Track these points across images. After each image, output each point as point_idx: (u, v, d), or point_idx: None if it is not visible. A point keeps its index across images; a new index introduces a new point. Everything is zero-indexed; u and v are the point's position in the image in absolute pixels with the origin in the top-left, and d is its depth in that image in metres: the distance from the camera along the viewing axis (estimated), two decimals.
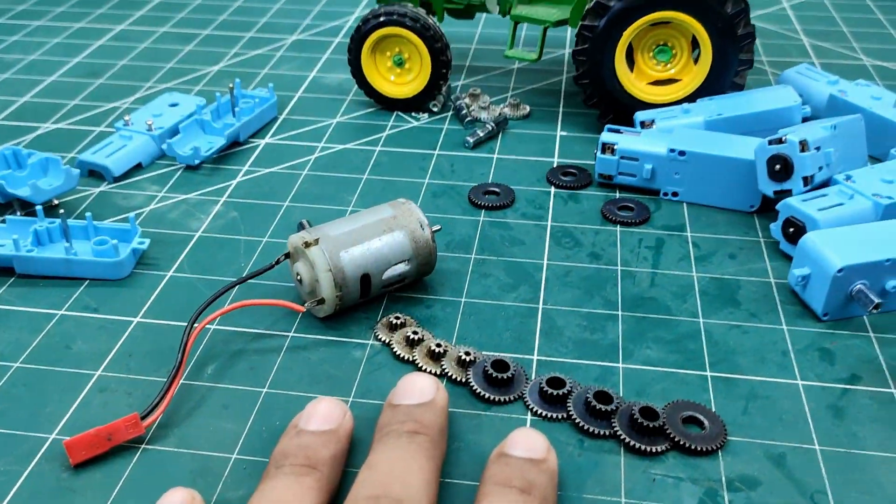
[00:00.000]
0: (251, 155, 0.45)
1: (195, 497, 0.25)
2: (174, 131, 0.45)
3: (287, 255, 0.34)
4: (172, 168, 0.44)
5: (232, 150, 0.45)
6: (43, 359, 0.32)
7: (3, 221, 0.37)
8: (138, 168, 0.44)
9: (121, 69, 0.55)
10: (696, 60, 0.44)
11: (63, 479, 0.27)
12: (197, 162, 0.43)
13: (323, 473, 0.24)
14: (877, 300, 0.32)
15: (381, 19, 0.47)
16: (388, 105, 0.49)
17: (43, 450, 0.28)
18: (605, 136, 0.41)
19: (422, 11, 0.47)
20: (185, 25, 0.62)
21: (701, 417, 0.29)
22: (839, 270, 0.32)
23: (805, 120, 0.43)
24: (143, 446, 0.28)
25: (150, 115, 0.46)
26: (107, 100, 0.51)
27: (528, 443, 0.27)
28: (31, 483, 0.27)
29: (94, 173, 0.43)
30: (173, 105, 0.48)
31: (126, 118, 0.46)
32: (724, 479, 0.27)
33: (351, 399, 0.30)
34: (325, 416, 0.26)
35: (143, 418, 0.28)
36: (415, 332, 0.32)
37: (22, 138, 0.47)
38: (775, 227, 0.37)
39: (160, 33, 0.61)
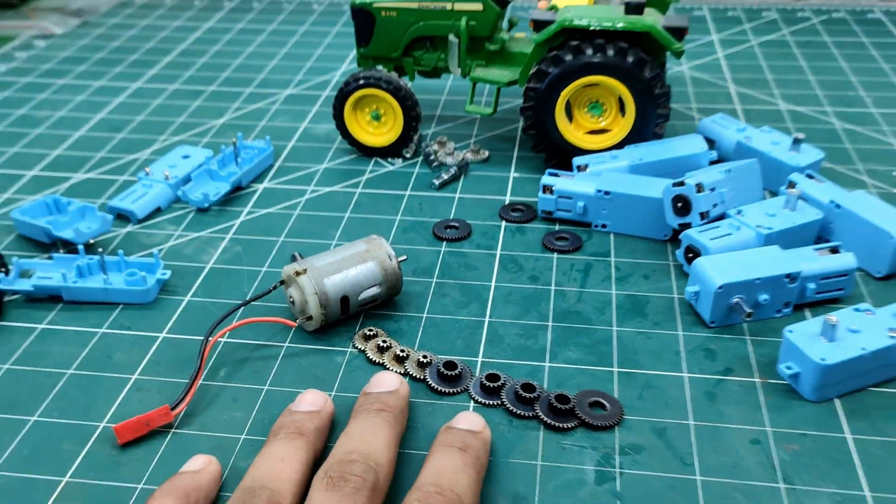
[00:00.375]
0: (251, 198, 0.54)
1: (212, 460, 0.34)
2: (187, 179, 0.54)
3: (282, 282, 0.43)
4: (186, 211, 0.52)
5: (236, 195, 0.54)
6: (90, 366, 0.40)
7: (51, 258, 0.46)
8: (158, 211, 0.52)
9: (138, 124, 0.64)
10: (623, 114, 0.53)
11: (112, 455, 0.35)
12: (206, 205, 0.52)
13: (309, 440, 0.33)
14: (749, 310, 0.41)
15: (361, 82, 0.56)
16: (367, 153, 0.58)
17: (96, 434, 0.36)
18: (545, 179, 0.50)
19: (394, 75, 0.56)
20: (192, 83, 0.71)
21: (604, 402, 0.37)
22: (719, 287, 0.40)
23: (713, 163, 0.52)
24: (172, 430, 0.37)
25: (166, 166, 0.55)
26: (128, 152, 0.60)
27: (468, 420, 0.36)
28: (88, 459, 0.35)
29: (122, 216, 0.52)
30: (185, 157, 0.57)
31: (146, 169, 0.55)
32: (617, 446, 0.35)
33: (333, 393, 0.38)
34: (311, 400, 0.35)
35: (172, 409, 0.37)
36: (384, 342, 0.41)
37: (58, 187, 0.55)
38: (679, 253, 0.46)
39: (171, 90, 0.70)
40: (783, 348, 0.38)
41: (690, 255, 0.45)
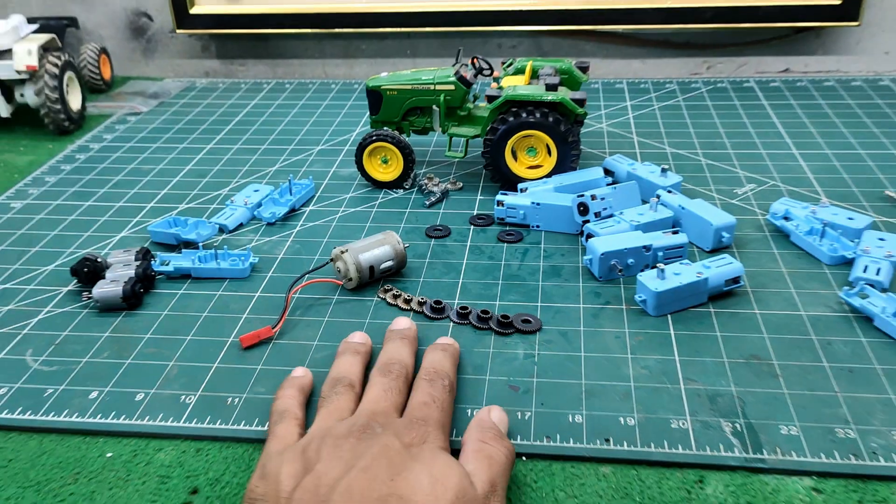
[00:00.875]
0: (302, 216, 0.78)
1: (307, 371, 0.55)
2: (259, 205, 0.78)
3: (331, 260, 0.66)
4: (260, 225, 0.76)
5: (292, 214, 0.78)
6: (216, 311, 0.63)
7: (180, 252, 0.70)
8: (241, 226, 0.76)
9: (216, 172, 0.88)
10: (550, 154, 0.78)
11: (240, 353, 0.58)
12: (273, 221, 0.76)
13: (362, 354, 0.55)
14: (620, 269, 0.64)
15: (374, 138, 0.80)
16: (378, 186, 0.82)
17: (228, 342, 0.59)
18: (499, 197, 0.74)
19: (397, 133, 0.81)
20: (249, 143, 0.96)
21: (530, 318, 0.61)
22: (602, 254, 0.64)
23: (608, 185, 0.76)
24: (273, 341, 0.60)
25: (244, 196, 0.79)
26: (213, 190, 0.84)
27: (444, 340, 0.59)
28: (226, 355, 0.58)
29: (219, 230, 0.76)
30: (255, 190, 0.80)
31: (231, 199, 0.79)
32: (537, 341, 0.58)
33: (367, 321, 0.61)
34: (360, 336, 0.57)
35: (272, 328, 0.60)
36: (397, 293, 0.64)
37: (170, 213, 0.79)
38: (582, 239, 0.70)
39: (234, 149, 0.94)
40: (637, 286, 0.62)
41: (588, 238, 0.69)
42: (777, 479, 0.46)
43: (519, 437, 0.49)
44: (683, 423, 0.50)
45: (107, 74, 1.16)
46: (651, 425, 0.50)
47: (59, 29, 1.12)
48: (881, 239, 0.65)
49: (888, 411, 0.50)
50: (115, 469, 0.49)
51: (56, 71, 0.96)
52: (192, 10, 1.13)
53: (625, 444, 0.48)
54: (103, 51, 1.15)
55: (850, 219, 0.68)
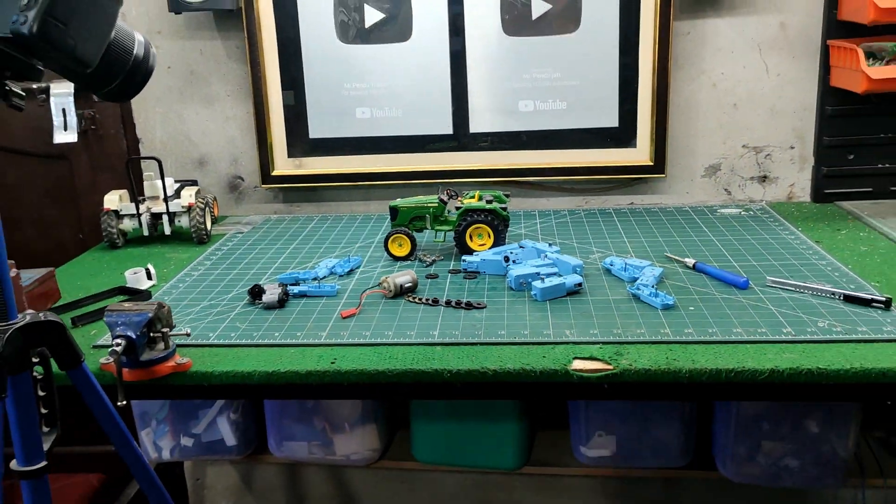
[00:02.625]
0: (356, 273, 1.36)
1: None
2: (334, 267, 1.38)
3: (380, 283, 1.25)
4: (335, 277, 1.35)
5: (349, 273, 1.37)
6: (322, 309, 1.21)
7: (299, 284, 1.27)
8: (325, 277, 1.35)
9: (301, 258, 1.48)
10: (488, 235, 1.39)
11: (341, 321, 1.15)
12: (342, 273, 1.35)
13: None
14: (524, 283, 1.24)
15: (394, 233, 1.41)
16: (396, 259, 1.42)
17: (333, 318, 1.16)
18: (463, 257, 1.35)
19: (407, 229, 1.42)
20: (316, 244, 1.57)
21: (482, 302, 1.19)
22: (516, 276, 1.24)
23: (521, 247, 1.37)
24: (356, 316, 1.17)
25: (326, 263, 1.38)
26: (303, 264, 1.43)
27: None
28: (333, 322, 1.15)
29: (315, 277, 1.34)
30: (330, 260, 1.40)
31: (318, 263, 1.38)
32: (485, 312, 1.16)
33: (399, 309, 1.19)
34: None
35: (356, 309, 1.17)
36: (412, 298, 1.23)
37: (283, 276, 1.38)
38: (508, 274, 1.30)
39: (307, 248, 1.55)
40: (532, 288, 1.21)
41: (515, 274, 1.29)
42: (585, 346, 1.04)
43: (477, 338, 1.07)
44: (548, 332, 1.08)
45: (216, 213, 1.78)
46: (535, 333, 1.07)
47: (187, 187, 1.74)
48: (653, 269, 1.27)
49: (637, 325, 1.09)
50: (295, 355, 1.05)
51: (203, 206, 1.58)
52: (272, 174, 1.77)
53: (522, 338, 1.06)
54: (214, 199, 1.78)
55: (640, 261, 1.30)
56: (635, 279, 1.25)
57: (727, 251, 1.39)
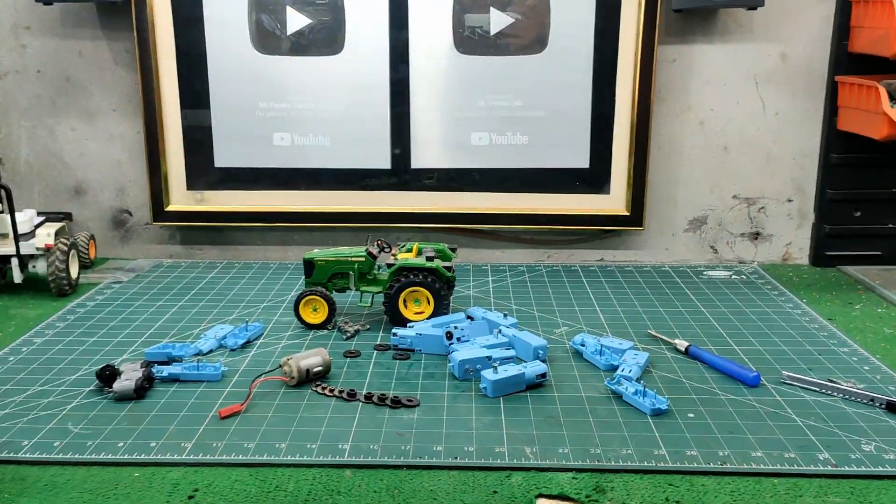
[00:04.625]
0: (255, 346, 1.06)
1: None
2: (224, 338, 1.07)
3: (280, 365, 0.95)
4: (226, 351, 1.05)
5: (248, 345, 1.07)
6: (199, 399, 0.91)
7: (171, 364, 0.97)
8: (212, 351, 1.05)
9: (188, 320, 1.17)
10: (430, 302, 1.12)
11: (218, 422, 0.85)
12: (235, 348, 1.05)
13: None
14: (471, 370, 0.96)
15: (307, 294, 1.12)
16: (310, 327, 1.13)
17: (209, 416, 0.86)
18: (394, 329, 1.06)
19: (324, 290, 1.13)
20: (210, 302, 1.26)
21: (413, 398, 0.91)
22: (460, 361, 0.96)
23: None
24: (241, 414, 0.87)
25: (214, 332, 1.08)
26: (186, 331, 1.13)
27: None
28: (209, 422, 0.85)
29: (197, 352, 1.04)
30: (222, 328, 1.09)
31: (204, 333, 1.08)
32: (416, 413, 0.88)
33: (302, 404, 0.90)
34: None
35: (241, 406, 0.88)
36: (324, 387, 0.94)
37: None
38: (449, 356, 1.02)
39: (199, 306, 1.24)
40: (481, 379, 0.93)
41: (452, 353, 1.01)
42: (553, 474, 0.76)
43: (402, 458, 0.78)
44: (501, 449, 0.80)
45: (92, 255, 1.45)
46: (483, 451, 0.79)
47: (57, 221, 1.42)
48: (636, 354, 1.01)
49: (621, 441, 0.82)
50: (141, 483, 0.74)
51: (65, 248, 1.26)
52: (167, 208, 1.46)
53: (465, 459, 0.78)
54: (92, 237, 1.46)
55: (619, 343, 1.04)
56: (614, 367, 0.98)
57: (722, 328, 1.14)
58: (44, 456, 0.78)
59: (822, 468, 0.76)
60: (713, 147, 1.44)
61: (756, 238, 1.48)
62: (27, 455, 0.78)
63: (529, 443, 0.81)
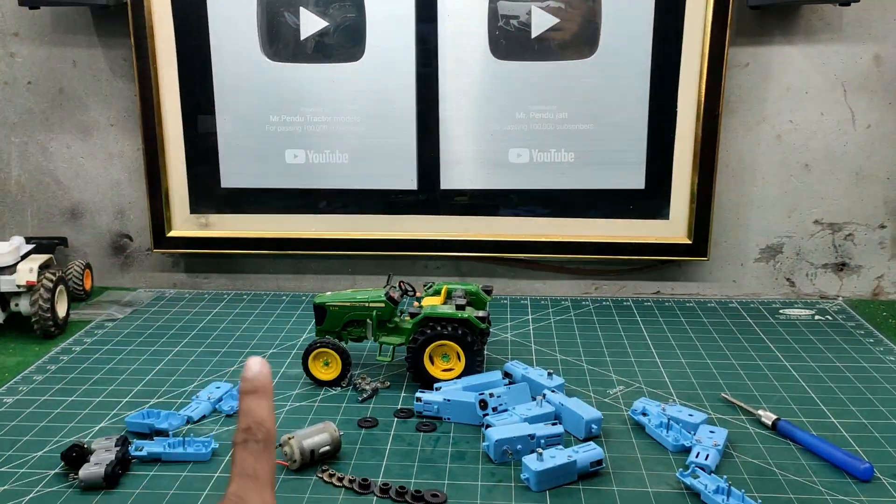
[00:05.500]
0: None
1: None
2: (220, 399, 0.92)
3: (280, 445, 0.80)
4: (221, 417, 0.90)
5: None
6: (182, 489, 0.75)
7: (153, 439, 0.82)
8: (204, 417, 0.89)
9: (183, 371, 1.02)
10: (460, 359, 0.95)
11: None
12: (232, 413, 0.90)
13: None
14: (510, 452, 0.79)
15: (318, 345, 0.97)
16: (320, 384, 0.98)
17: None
18: (418, 394, 0.90)
19: (336, 341, 0.97)
20: (211, 347, 1.11)
21: (438, 493, 0.74)
22: (496, 441, 0.80)
23: (505, 385, 0.93)
24: None
25: (208, 392, 0.93)
26: (180, 387, 0.97)
27: (252, 370, 0.44)
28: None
29: (187, 420, 0.89)
30: (217, 387, 0.94)
31: (197, 394, 0.92)
32: None
33: (306, 497, 0.74)
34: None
35: None
36: (332, 473, 0.78)
37: (143, 407, 0.92)
38: (483, 429, 0.85)
39: (199, 351, 1.09)
40: (522, 467, 0.76)
41: (487, 427, 0.84)
42: None
43: None
44: None
45: (88, 286, 1.32)
46: None
47: (50, 247, 1.29)
48: (711, 431, 0.83)
49: None
50: None
51: (51, 286, 1.12)
52: (169, 234, 1.32)
53: None
54: (87, 266, 1.32)
55: (690, 415, 0.86)
56: (685, 449, 0.81)
57: (812, 390, 0.96)
58: None
59: None
60: (792, 165, 1.25)
61: (841, 269, 1.29)
62: None
63: None
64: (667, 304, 1.28)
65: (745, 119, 1.24)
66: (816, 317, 1.21)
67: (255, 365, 0.46)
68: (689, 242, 1.26)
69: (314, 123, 1.27)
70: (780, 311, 1.23)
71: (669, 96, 1.21)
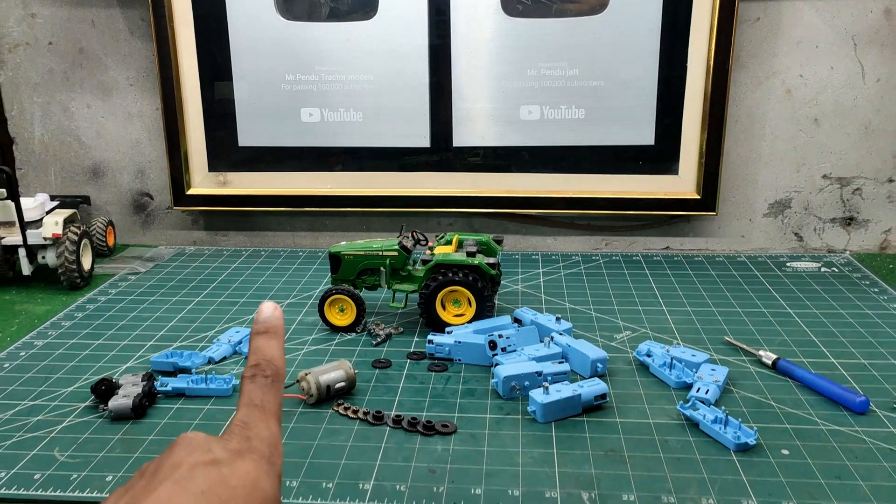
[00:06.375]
0: None
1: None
2: (240, 342, 0.96)
3: (298, 380, 0.84)
4: (241, 359, 0.94)
5: None
6: (205, 420, 0.80)
7: (177, 376, 0.86)
8: (225, 359, 0.94)
9: (204, 319, 1.07)
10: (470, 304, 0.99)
11: None
12: None
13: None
14: (518, 388, 0.83)
15: (333, 292, 1.01)
16: (336, 330, 1.02)
17: None
18: (430, 336, 0.94)
19: (352, 288, 1.01)
20: (231, 297, 1.15)
21: (448, 424, 0.78)
22: (505, 377, 0.83)
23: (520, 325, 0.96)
24: None
25: (228, 336, 0.97)
26: (202, 332, 1.02)
27: (265, 313, 0.48)
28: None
29: (208, 360, 0.93)
30: (237, 332, 0.99)
31: (217, 338, 0.97)
32: (452, 441, 0.76)
33: (322, 427, 0.78)
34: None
35: None
36: (347, 406, 0.82)
37: (167, 349, 0.97)
38: (494, 369, 0.89)
39: (218, 301, 1.14)
40: (529, 400, 0.80)
41: (496, 366, 0.88)
42: None
43: (433, 503, 0.66)
44: (553, 494, 0.67)
45: (111, 242, 1.36)
46: (531, 496, 0.67)
47: (73, 205, 1.33)
48: (713, 369, 0.86)
49: (700, 485, 0.68)
50: None
51: (76, 238, 1.16)
52: (188, 192, 1.36)
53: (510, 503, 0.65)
54: (110, 223, 1.36)
55: (693, 355, 0.89)
56: (687, 386, 0.84)
57: (814, 333, 0.98)
58: (20, 492, 0.68)
59: None
60: (801, 119, 1.26)
61: (849, 224, 1.30)
62: (2, 490, 0.68)
63: (587, 486, 0.68)
64: (676, 258, 1.31)
65: (754, 74, 1.25)
66: (823, 269, 1.23)
67: (268, 308, 0.49)
68: (698, 197, 1.28)
69: (329, 82, 1.30)
70: (787, 265, 1.26)
71: (679, 52, 1.23)
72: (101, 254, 1.33)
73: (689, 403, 0.79)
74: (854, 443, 0.74)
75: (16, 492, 0.68)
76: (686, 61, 1.23)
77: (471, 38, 1.26)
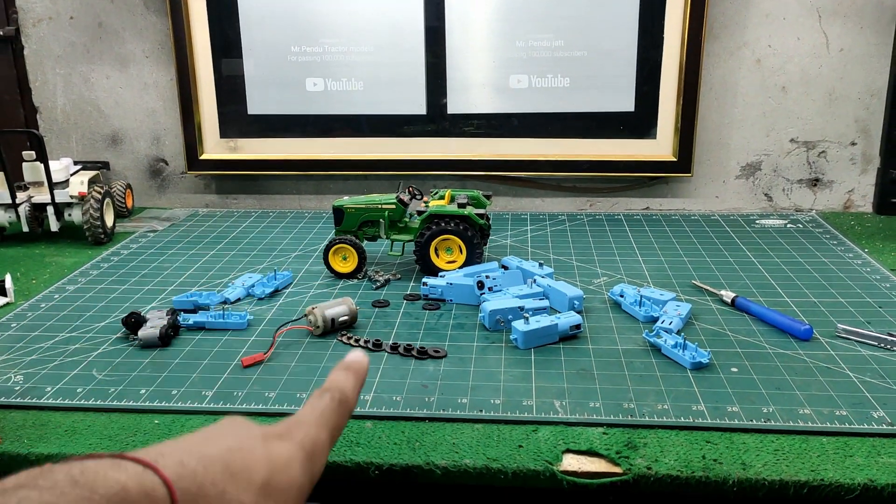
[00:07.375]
0: (283, 295, 1.05)
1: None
2: (253, 286, 1.05)
3: (305, 314, 0.93)
4: (253, 300, 1.03)
5: (276, 294, 1.05)
6: (224, 347, 0.89)
7: (197, 312, 0.96)
8: (239, 300, 1.03)
9: (219, 268, 1.16)
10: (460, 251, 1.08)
11: (241, 370, 0.84)
12: (263, 296, 1.03)
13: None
14: (502, 321, 0.92)
15: (337, 241, 1.10)
16: (339, 276, 1.11)
17: (232, 364, 0.85)
18: (424, 279, 1.03)
19: (354, 238, 1.10)
20: (244, 249, 1.25)
21: (439, 349, 0.87)
22: (490, 311, 0.93)
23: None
24: (264, 363, 0.85)
25: (241, 280, 1.07)
26: (217, 279, 1.11)
27: (352, 357, 0.55)
28: (231, 370, 0.83)
29: (224, 300, 1.02)
30: (250, 277, 1.08)
31: (232, 282, 1.06)
32: (443, 363, 0.85)
33: (327, 354, 0.88)
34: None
35: (264, 354, 0.86)
36: (350, 336, 0.91)
37: (187, 293, 1.06)
38: (481, 306, 0.98)
39: (231, 254, 1.23)
40: (512, 329, 0.89)
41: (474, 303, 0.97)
42: (582, 429, 0.72)
43: (425, 410, 0.75)
44: (530, 402, 0.76)
45: (129, 204, 1.45)
46: (510, 404, 0.76)
47: (94, 170, 1.42)
48: (677, 306, 0.95)
49: (657, 395, 0.77)
50: (161, 430, 0.73)
51: (99, 197, 1.25)
52: (201, 157, 1.45)
53: (491, 412, 0.75)
54: (128, 186, 1.46)
55: (661, 294, 0.99)
56: (654, 319, 0.94)
57: (774, 279, 1.08)
58: (66, 402, 0.78)
59: (876, 427, 0.71)
60: (770, 87, 1.35)
61: (815, 185, 1.39)
62: (49, 401, 0.78)
63: (559, 396, 0.77)
64: (654, 217, 1.40)
65: (726, 44, 1.34)
66: (789, 226, 1.32)
67: (357, 353, 0.55)
68: (675, 160, 1.37)
69: (332, 53, 1.39)
70: (757, 222, 1.35)
71: (656, 24, 1.31)
72: (120, 215, 1.42)
73: (654, 332, 0.89)
74: (795, 363, 0.83)
75: (62, 401, 0.78)
76: (663, 33, 1.31)
77: (464, 11, 1.35)
